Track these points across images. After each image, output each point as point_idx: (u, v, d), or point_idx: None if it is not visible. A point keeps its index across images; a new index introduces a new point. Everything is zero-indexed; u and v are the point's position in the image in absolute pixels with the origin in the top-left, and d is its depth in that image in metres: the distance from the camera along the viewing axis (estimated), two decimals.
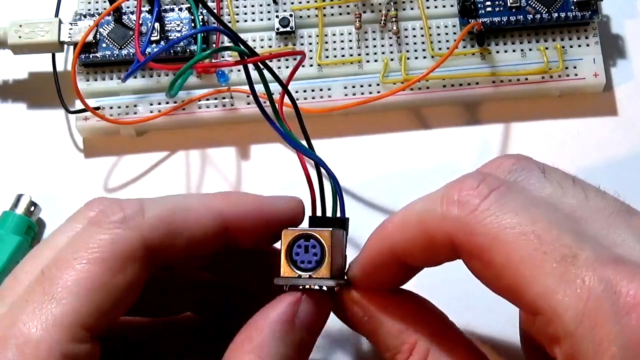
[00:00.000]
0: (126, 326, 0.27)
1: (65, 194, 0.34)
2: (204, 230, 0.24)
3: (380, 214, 0.33)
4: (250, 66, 0.26)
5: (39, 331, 0.21)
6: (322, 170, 0.26)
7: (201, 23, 0.35)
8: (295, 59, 0.35)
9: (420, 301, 0.25)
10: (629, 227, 0.21)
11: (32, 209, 0.33)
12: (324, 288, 0.25)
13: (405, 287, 0.26)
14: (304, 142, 0.27)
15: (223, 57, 0.35)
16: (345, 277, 0.26)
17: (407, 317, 0.24)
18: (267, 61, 0.25)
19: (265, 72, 0.26)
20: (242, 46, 0.25)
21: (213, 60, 0.34)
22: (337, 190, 0.26)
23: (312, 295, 0.25)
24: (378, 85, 0.35)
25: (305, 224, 0.26)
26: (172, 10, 0.35)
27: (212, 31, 0.34)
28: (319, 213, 0.26)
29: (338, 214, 0.26)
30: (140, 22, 0.35)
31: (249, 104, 0.34)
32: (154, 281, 0.24)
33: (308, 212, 0.26)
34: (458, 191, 0.22)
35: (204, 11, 0.35)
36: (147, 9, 0.35)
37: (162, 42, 0.35)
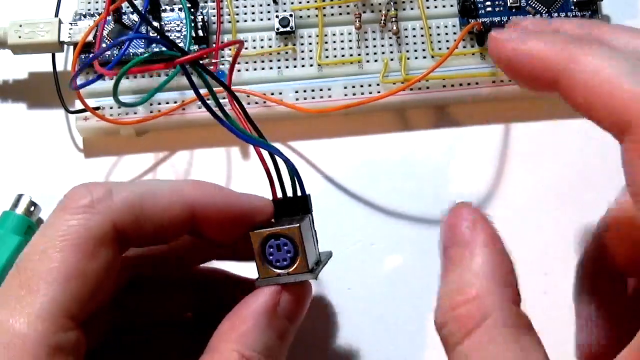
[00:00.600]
0: (121, 328, 0.27)
1: None
2: (171, 214, 0.24)
3: (380, 215, 0.33)
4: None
5: (23, 325, 0.21)
6: (277, 157, 0.26)
7: (200, 23, 0.35)
8: (281, 60, 0.35)
9: (512, 266, 0.23)
10: None
11: (32, 209, 0.33)
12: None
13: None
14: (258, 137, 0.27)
15: (223, 57, 0.35)
16: (323, 262, 0.26)
17: (497, 268, 0.22)
18: (199, 60, 0.25)
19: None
20: (175, 50, 0.25)
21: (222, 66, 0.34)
22: (293, 171, 0.26)
23: (295, 284, 0.25)
24: (378, 85, 0.35)
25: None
26: (172, 10, 0.35)
27: (138, 39, 0.34)
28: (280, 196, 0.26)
29: (299, 194, 0.26)
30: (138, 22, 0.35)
31: (248, 104, 0.34)
32: (146, 284, 0.24)
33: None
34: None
35: (204, 11, 0.35)
36: (147, 10, 0.35)
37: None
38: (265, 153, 0.26)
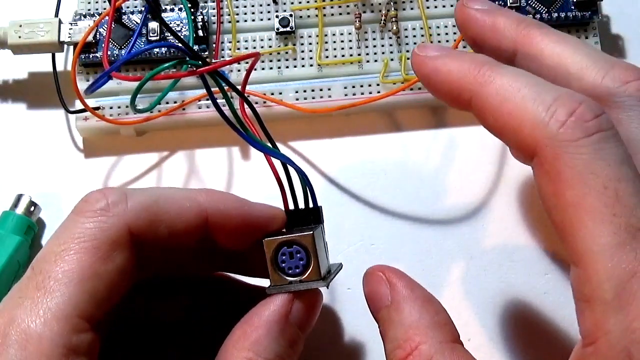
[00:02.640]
0: (124, 329, 0.27)
1: (65, 194, 0.34)
2: (185, 220, 0.24)
3: (380, 215, 0.33)
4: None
5: (39, 326, 0.21)
6: (289, 167, 0.26)
7: (200, 23, 0.35)
8: (281, 60, 0.35)
9: (441, 307, 0.25)
10: None
11: (32, 209, 0.33)
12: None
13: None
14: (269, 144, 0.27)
15: (223, 57, 0.35)
16: (334, 272, 0.27)
17: (424, 316, 0.24)
18: (219, 68, 0.26)
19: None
20: (196, 59, 0.26)
21: (171, 72, 0.34)
22: (306, 182, 0.26)
23: (307, 293, 0.25)
24: (378, 85, 0.35)
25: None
26: (172, 10, 0.35)
27: (165, 47, 0.34)
28: (291, 207, 0.27)
29: (311, 205, 0.27)
30: (140, 22, 0.35)
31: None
32: (152, 285, 0.24)
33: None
34: (569, 112, 0.21)
35: (204, 11, 0.35)
36: (142, 10, 0.35)
37: (161, 43, 0.35)
38: (277, 162, 0.26)
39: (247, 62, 0.35)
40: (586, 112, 0.21)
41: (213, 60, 0.35)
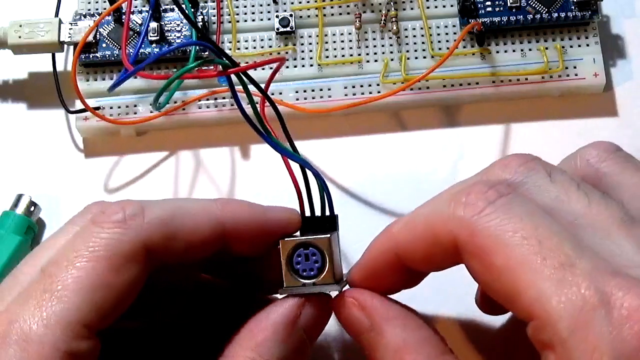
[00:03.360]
0: (126, 330, 0.27)
1: (65, 194, 0.34)
2: (201, 234, 0.24)
3: (380, 215, 0.33)
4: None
5: (41, 328, 0.21)
6: (308, 171, 0.26)
7: (200, 24, 0.35)
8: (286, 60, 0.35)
9: (422, 321, 0.25)
10: (629, 237, 0.21)
11: (32, 209, 0.33)
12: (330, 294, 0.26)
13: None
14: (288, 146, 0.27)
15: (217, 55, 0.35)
16: (345, 279, 0.26)
17: (408, 334, 0.24)
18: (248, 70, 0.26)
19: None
20: (225, 59, 0.26)
21: (197, 71, 0.34)
22: (324, 189, 0.26)
23: (316, 299, 0.25)
24: (378, 85, 0.35)
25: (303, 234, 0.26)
26: (172, 10, 0.35)
27: (196, 45, 0.34)
28: (307, 213, 0.26)
29: (327, 212, 0.26)
30: (140, 22, 0.35)
31: (248, 104, 0.34)
32: (152, 285, 0.24)
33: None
34: (466, 194, 0.22)
35: (204, 11, 0.35)
36: (147, 10, 0.35)
37: (162, 43, 0.35)
38: (294, 167, 0.26)
39: (246, 63, 0.35)
40: (481, 187, 0.22)
41: (205, 69, 0.34)
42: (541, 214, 0.21)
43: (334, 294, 0.26)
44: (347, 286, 0.27)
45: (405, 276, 0.25)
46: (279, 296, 0.26)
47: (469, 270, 0.22)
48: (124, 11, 0.35)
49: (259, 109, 0.27)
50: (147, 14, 0.35)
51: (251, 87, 0.26)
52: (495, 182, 0.23)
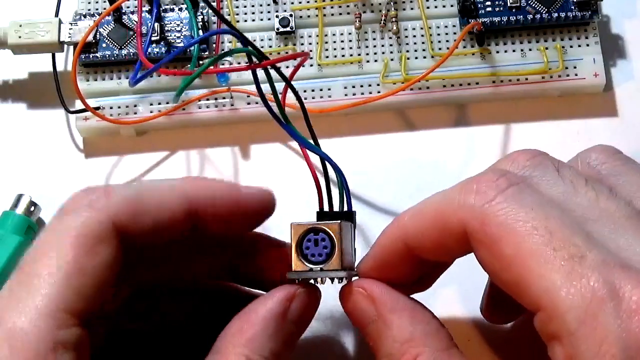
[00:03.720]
0: (127, 330, 0.27)
1: (65, 194, 0.34)
2: (169, 210, 0.24)
3: (380, 214, 0.33)
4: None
5: (25, 323, 0.21)
6: (328, 165, 0.26)
7: (200, 23, 0.35)
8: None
9: (430, 314, 0.25)
10: (637, 232, 0.21)
11: (32, 209, 0.33)
12: (336, 280, 0.26)
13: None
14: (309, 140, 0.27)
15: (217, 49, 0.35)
16: (356, 269, 0.26)
17: (416, 326, 0.24)
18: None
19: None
20: (251, 47, 0.26)
21: (222, 65, 0.34)
22: (344, 184, 0.26)
23: (304, 292, 0.25)
24: (378, 85, 0.35)
25: (312, 219, 0.26)
26: (172, 10, 0.35)
27: (222, 34, 0.34)
28: (326, 208, 0.26)
29: (345, 208, 0.26)
30: (140, 22, 0.35)
31: (248, 104, 0.34)
32: (154, 286, 0.24)
33: (316, 207, 0.27)
34: (477, 183, 0.22)
35: (204, 11, 0.35)
36: (147, 9, 0.35)
37: (162, 42, 0.35)
38: (313, 161, 0.26)
39: (246, 63, 0.35)
40: (492, 176, 0.22)
41: (229, 66, 0.35)
42: (552, 205, 0.21)
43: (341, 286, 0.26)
44: (357, 278, 0.27)
45: (415, 268, 0.25)
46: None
47: (478, 259, 0.22)
48: (123, 11, 0.35)
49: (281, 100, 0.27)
50: (147, 14, 0.35)
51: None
52: (505, 171, 0.23)
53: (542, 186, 0.23)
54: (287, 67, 0.35)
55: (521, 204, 0.21)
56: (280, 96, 0.27)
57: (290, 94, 0.26)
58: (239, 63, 0.35)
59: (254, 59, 0.26)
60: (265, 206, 0.26)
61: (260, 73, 0.26)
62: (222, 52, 0.26)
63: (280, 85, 0.27)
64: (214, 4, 0.35)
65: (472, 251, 0.23)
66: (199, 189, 0.25)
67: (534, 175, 0.23)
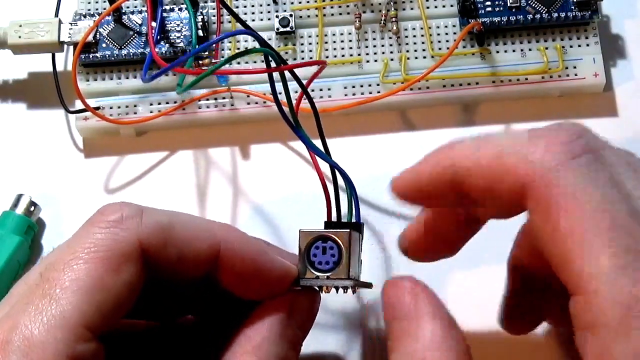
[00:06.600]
0: (128, 329, 0.27)
1: (65, 194, 0.34)
2: (197, 247, 0.24)
3: (380, 214, 0.33)
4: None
5: (42, 333, 0.21)
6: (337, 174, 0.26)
7: (200, 23, 0.35)
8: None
9: (462, 335, 0.23)
10: None
11: (32, 209, 0.33)
12: (341, 289, 0.26)
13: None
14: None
15: (223, 56, 0.35)
16: (360, 279, 0.26)
17: (446, 339, 0.22)
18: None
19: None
20: (268, 48, 0.26)
21: (235, 68, 0.34)
22: (353, 195, 0.26)
23: (306, 295, 0.25)
24: (378, 85, 0.35)
25: (312, 219, 0.26)
26: (172, 10, 0.35)
27: (240, 35, 0.34)
28: (334, 217, 0.26)
29: (353, 219, 0.26)
30: (140, 22, 0.35)
31: (248, 104, 0.34)
32: (153, 285, 0.24)
33: (324, 217, 0.27)
34: (547, 139, 0.21)
35: (204, 11, 0.35)
36: (147, 10, 0.35)
37: (162, 42, 0.35)
38: (323, 170, 0.26)
39: (246, 63, 0.35)
40: (565, 135, 0.21)
41: (213, 60, 0.35)
42: (620, 189, 0.20)
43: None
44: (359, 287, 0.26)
45: (453, 201, 0.24)
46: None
47: (529, 221, 0.21)
48: (123, 11, 0.35)
49: (294, 106, 0.27)
50: (146, 14, 0.35)
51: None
52: (580, 132, 0.21)
53: (608, 164, 0.21)
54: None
55: (592, 179, 0.20)
56: (294, 102, 0.27)
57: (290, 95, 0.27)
58: (246, 63, 0.35)
59: (271, 62, 0.26)
60: (283, 281, 0.25)
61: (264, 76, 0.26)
62: (239, 51, 0.26)
63: (279, 86, 0.27)
64: (213, 4, 0.35)
65: (522, 210, 0.21)
66: (230, 239, 0.25)
67: (603, 148, 0.21)
